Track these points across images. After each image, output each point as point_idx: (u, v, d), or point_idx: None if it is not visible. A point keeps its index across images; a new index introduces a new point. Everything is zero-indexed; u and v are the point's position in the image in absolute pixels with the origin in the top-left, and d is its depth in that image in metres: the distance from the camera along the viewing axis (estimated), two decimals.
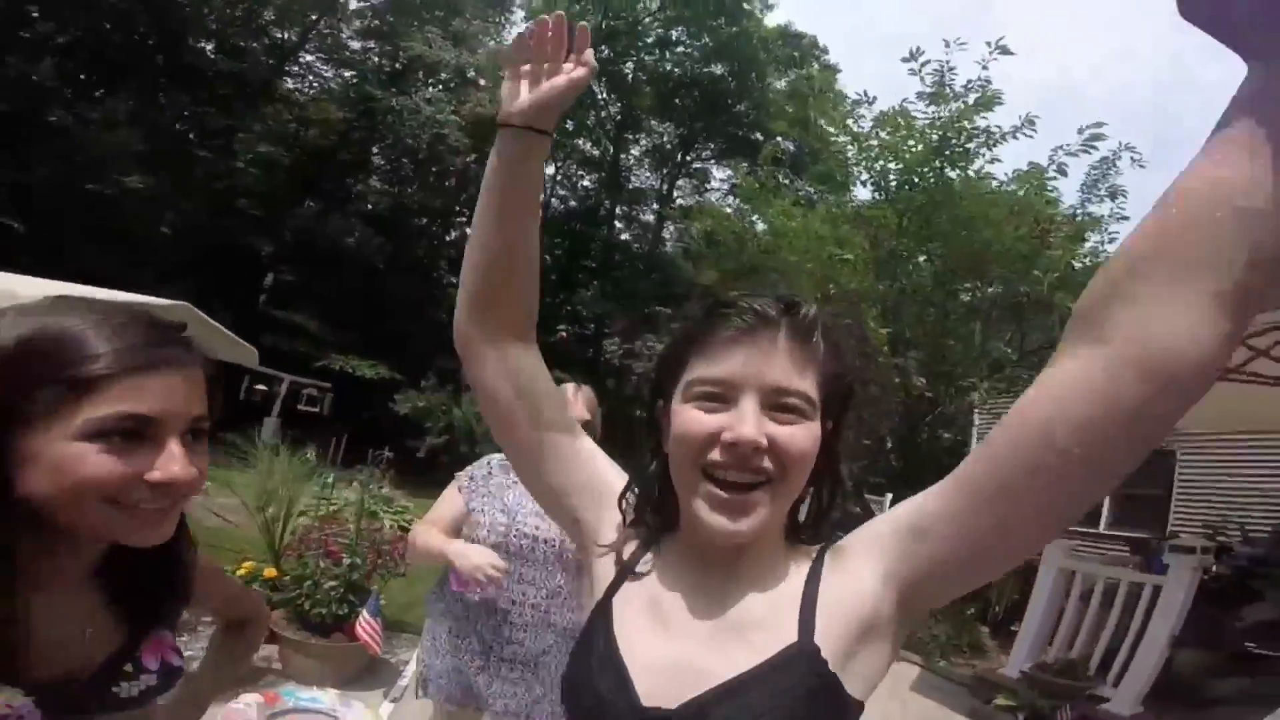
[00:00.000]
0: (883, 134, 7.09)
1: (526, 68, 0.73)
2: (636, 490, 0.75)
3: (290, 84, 18.66)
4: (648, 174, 23.37)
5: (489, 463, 1.90)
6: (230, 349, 4.25)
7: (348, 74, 19.07)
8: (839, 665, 0.62)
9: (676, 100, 20.99)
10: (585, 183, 23.49)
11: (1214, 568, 5.06)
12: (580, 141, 22.37)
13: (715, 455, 0.64)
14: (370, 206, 18.24)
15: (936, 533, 0.61)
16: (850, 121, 7.35)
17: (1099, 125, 6.35)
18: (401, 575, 3.48)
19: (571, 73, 0.72)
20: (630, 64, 20.79)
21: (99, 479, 0.60)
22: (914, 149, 6.72)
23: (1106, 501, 9.07)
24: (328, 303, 15.81)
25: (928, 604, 0.67)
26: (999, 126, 6.63)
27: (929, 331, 7.41)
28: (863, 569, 0.65)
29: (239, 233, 15.47)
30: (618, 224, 23.08)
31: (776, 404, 0.64)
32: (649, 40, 20.47)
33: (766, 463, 0.63)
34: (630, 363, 20.67)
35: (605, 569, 0.74)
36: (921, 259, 7.31)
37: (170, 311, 2.97)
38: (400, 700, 2.71)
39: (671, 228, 22.50)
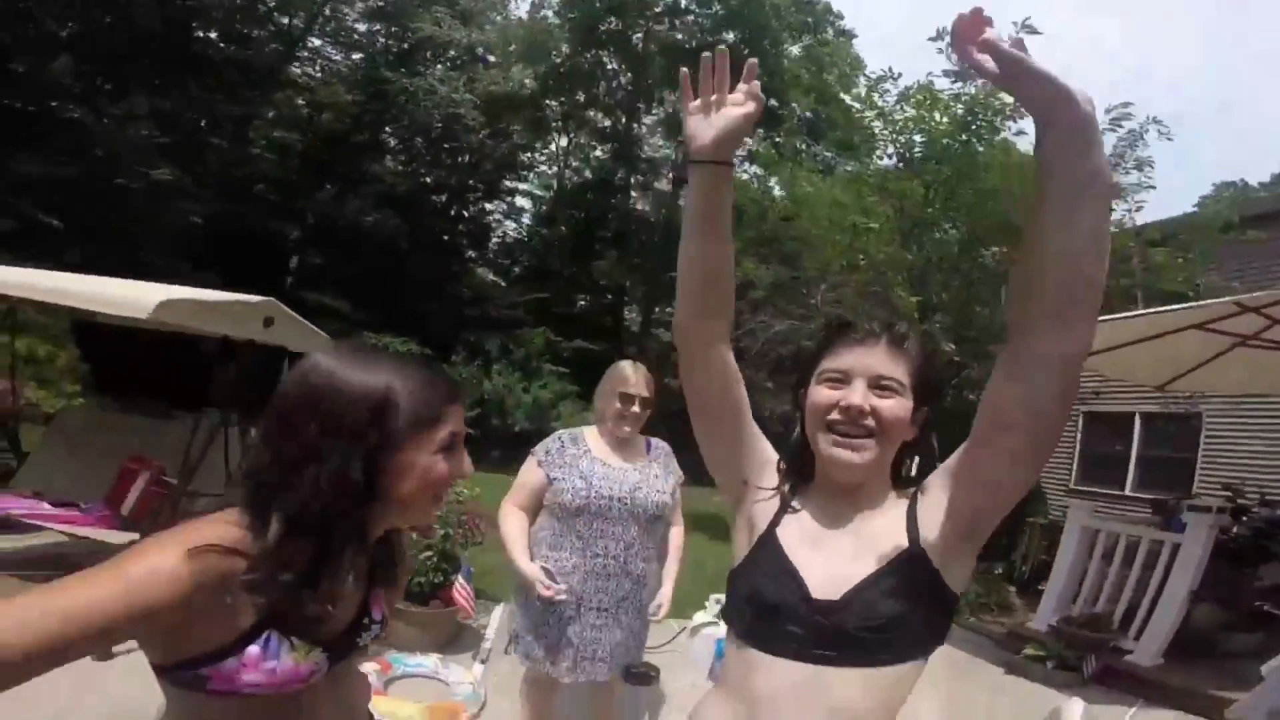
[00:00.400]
0: (908, 109, 7.18)
1: (697, 103, 0.93)
2: (788, 456, 1.05)
3: (299, 69, 18.63)
4: (661, 143, 23.06)
5: (559, 437, 2.17)
6: (309, 339, 4.51)
7: (357, 57, 18.99)
8: (940, 564, 0.90)
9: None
10: (598, 153, 23.30)
11: (1233, 529, 5.12)
12: (592, 113, 22.16)
13: (835, 415, 0.94)
14: (387, 187, 18.39)
15: (963, 477, 0.91)
16: (876, 96, 7.45)
17: (1126, 105, 6.56)
18: (479, 544, 3.74)
19: (744, 106, 0.92)
20: (640, 34, 20.45)
21: (445, 479, 0.88)
22: (940, 124, 6.79)
23: (1131, 463, 9.25)
24: (351, 284, 16.07)
25: (982, 524, 0.92)
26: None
27: (955, 298, 7.51)
28: (940, 499, 0.93)
29: (261, 218, 15.72)
30: (633, 194, 22.95)
31: (878, 385, 0.94)
32: (658, 9, 20.09)
33: (870, 422, 0.93)
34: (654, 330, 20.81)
35: (765, 511, 1.02)
36: (947, 227, 7.37)
37: (260, 307, 3.21)
38: (488, 661, 2.98)
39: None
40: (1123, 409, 9.01)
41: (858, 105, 7.77)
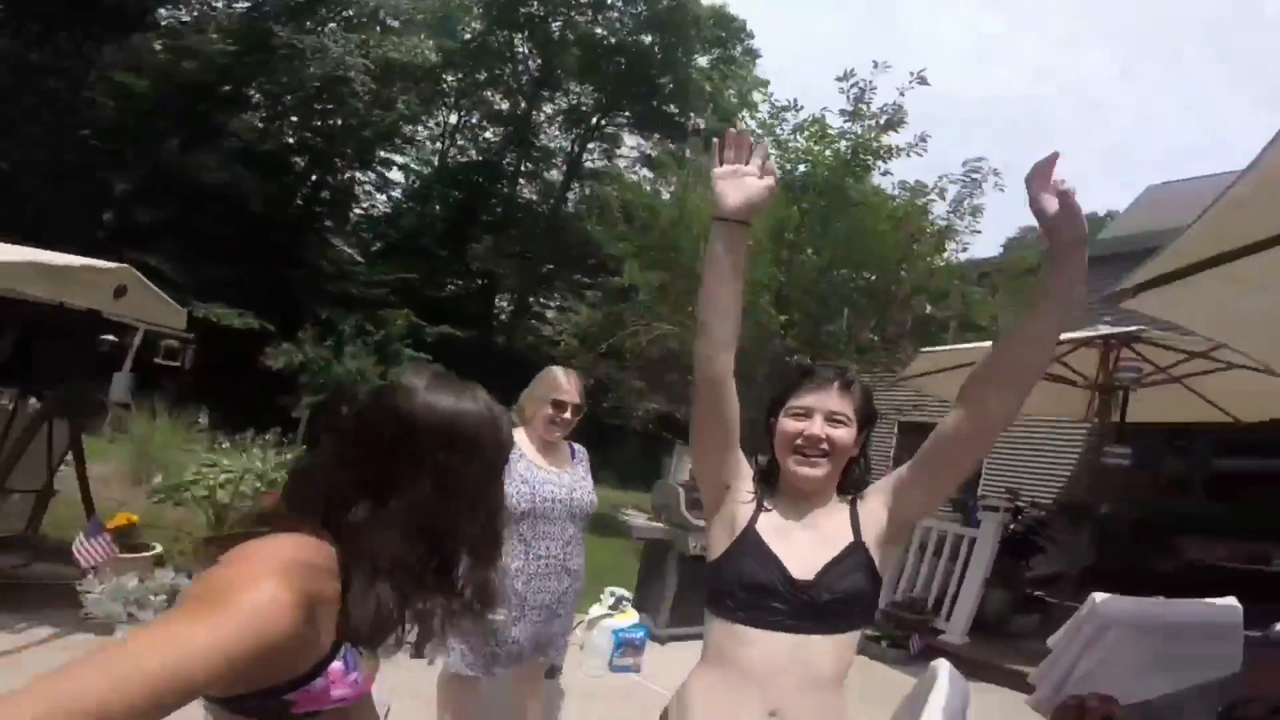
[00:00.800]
0: (800, 139, 7.74)
1: (726, 169, 1.17)
2: (761, 470, 1.34)
3: (167, 12, 16.44)
4: (558, 133, 22.84)
5: None
6: (161, 311, 4.11)
7: (243, 5, 16.96)
8: (874, 554, 1.22)
9: (600, 64, 20.57)
10: (489, 135, 22.56)
11: (1011, 526, 6.00)
12: (491, 94, 21.37)
13: (799, 441, 1.24)
14: (244, 144, 16.64)
15: (900, 495, 1.25)
16: (775, 123, 7.93)
17: (980, 159, 7.58)
18: None
19: (765, 180, 1.17)
20: (560, 22, 20.06)
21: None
22: (825, 158, 7.40)
23: None
24: (187, 245, 14.26)
25: (907, 528, 1.29)
26: (896, 144, 7.53)
27: (809, 316, 8.30)
28: (877, 505, 1.27)
29: (87, 167, 13.67)
30: (520, 181, 22.45)
31: (832, 419, 1.25)
32: (582, 1, 19.89)
33: (825, 447, 1.23)
34: (528, 321, 20.19)
35: (745, 511, 1.28)
36: (810, 252, 8.09)
37: (113, 274, 2.99)
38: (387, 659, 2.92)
39: (577, 189, 22.05)
40: (929, 420, 10.44)
41: (757, 129, 8.15)
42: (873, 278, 7.93)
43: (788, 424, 1.26)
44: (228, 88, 16.61)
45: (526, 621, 2.13)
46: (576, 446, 2.42)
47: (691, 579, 4.43)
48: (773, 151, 8.01)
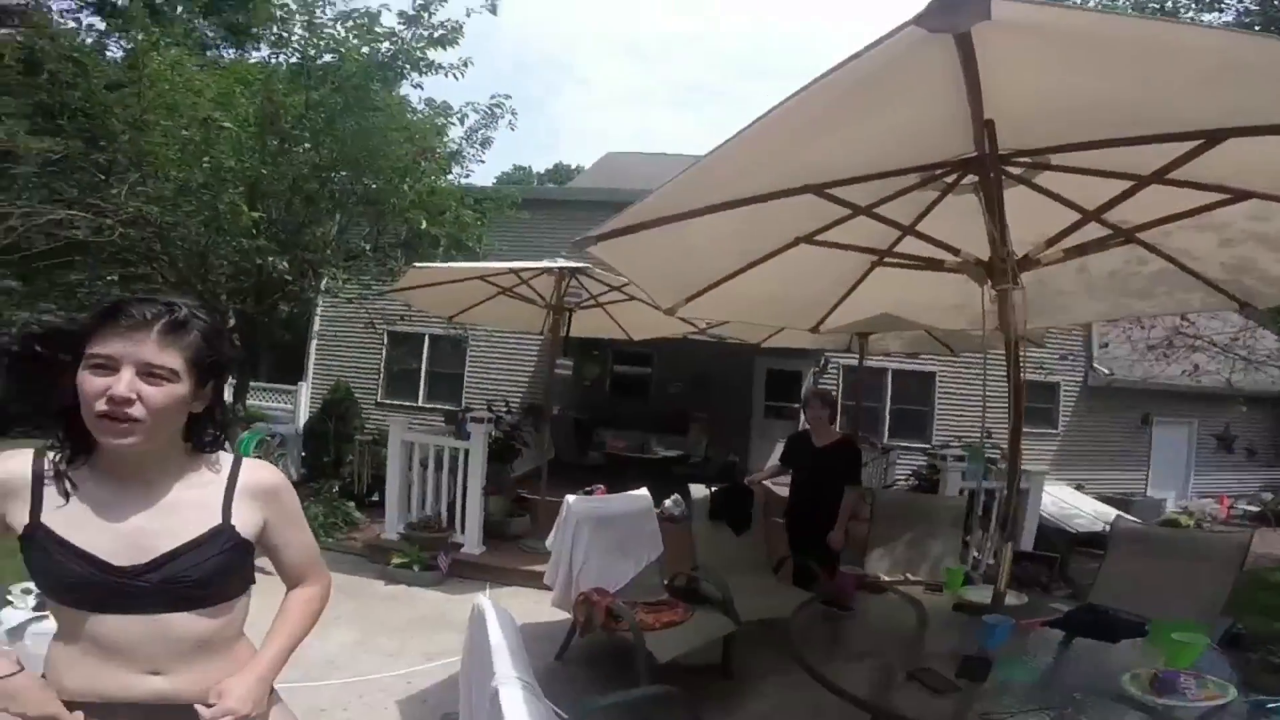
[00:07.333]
0: (341, 29, 6.57)
1: None
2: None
3: None
4: None
5: None
6: None
7: None
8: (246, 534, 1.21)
9: None
10: None
11: (493, 432, 6.64)
12: None
13: (103, 406, 1.02)
14: None
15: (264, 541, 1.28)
16: (315, 3, 6.60)
17: (507, 96, 7.77)
18: None
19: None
20: None
21: None
22: (360, 54, 6.50)
23: (422, 379, 11.38)
24: None
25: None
26: (440, 62, 7.17)
27: (293, 216, 7.39)
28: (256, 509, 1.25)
29: None
30: None
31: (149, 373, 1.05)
32: None
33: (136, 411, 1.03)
34: None
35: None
36: (307, 147, 7.11)
37: None
38: None
39: None
40: (416, 331, 10.88)
41: (292, 5, 6.62)
42: (373, 185, 7.53)
43: (85, 379, 1.03)
44: None
45: None
46: None
47: None
48: (303, 33, 6.73)
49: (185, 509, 1.14)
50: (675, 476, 7.16)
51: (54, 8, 14.47)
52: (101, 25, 12.45)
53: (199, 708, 1.10)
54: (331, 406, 8.69)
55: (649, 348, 10.70)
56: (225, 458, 1.24)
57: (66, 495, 1.08)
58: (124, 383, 1.02)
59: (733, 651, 3.69)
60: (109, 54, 7.30)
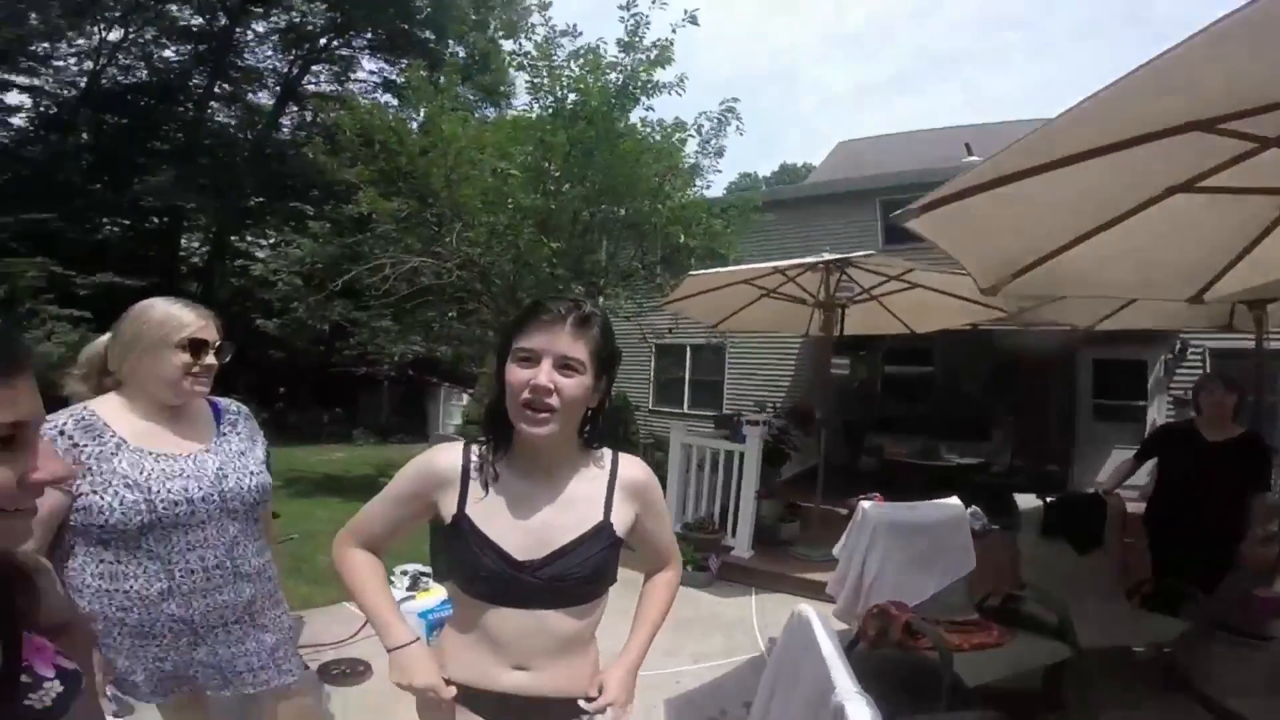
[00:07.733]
0: (575, 67, 7.39)
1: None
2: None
3: None
4: (270, 53, 19.11)
5: (59, 428, 1.42)
6: None
7: None
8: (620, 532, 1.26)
9: None
10: (168, 53, 18.17)
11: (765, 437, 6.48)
12: (175, 8, 17.06)
13: (527, 395, 1.12)
14: None
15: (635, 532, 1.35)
16: (548, 48, 7.47)
17: (735, 100, 7.97)
18: None
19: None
20: None
21: None
22: (598, 87, 7.18)
23: (686, 386, 11.86)
24: None
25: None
26: (663, 81, 7.61)
27: (573, 245, 8.26)
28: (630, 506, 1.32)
29: None
30: (213, 105, 18.72)
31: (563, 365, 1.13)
32: None
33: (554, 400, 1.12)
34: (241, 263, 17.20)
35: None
36: (567, 186, 7.95)
37: None
38: None
39: (295, 115, 19.17)
40: (679, 343, 11.38)
41: (533, 51, 7.60)
42: (625, 210, 8.12)
43: (511, 370, 1.15)
44: None
45: (213, 644, 1.56)
46: (223, 403, 1.70)
47: None
48: (544, 78, 7.59)
49: (579, 504, 1.21)
50: (970, 486, 6.31)
51: (354, 90, 18.77)
52: (395, 101, 15.55)
53: (582, 703, 1.19)
54: (613, 414, 9.46)
55: (928, 342, 9.68)
56: (607, 453, 1.30)
57: (486, 487, 1.18)
58: (544, 373, 1.11)
59: (1063, 680, 3.08)
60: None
